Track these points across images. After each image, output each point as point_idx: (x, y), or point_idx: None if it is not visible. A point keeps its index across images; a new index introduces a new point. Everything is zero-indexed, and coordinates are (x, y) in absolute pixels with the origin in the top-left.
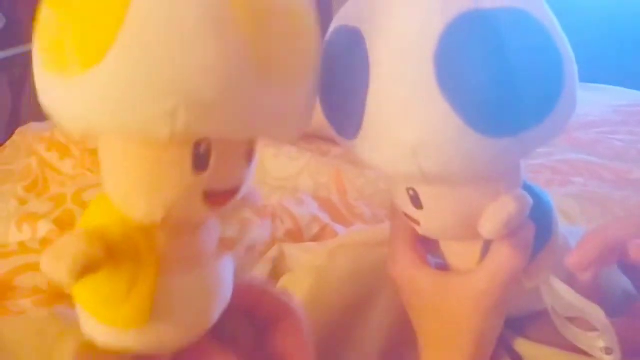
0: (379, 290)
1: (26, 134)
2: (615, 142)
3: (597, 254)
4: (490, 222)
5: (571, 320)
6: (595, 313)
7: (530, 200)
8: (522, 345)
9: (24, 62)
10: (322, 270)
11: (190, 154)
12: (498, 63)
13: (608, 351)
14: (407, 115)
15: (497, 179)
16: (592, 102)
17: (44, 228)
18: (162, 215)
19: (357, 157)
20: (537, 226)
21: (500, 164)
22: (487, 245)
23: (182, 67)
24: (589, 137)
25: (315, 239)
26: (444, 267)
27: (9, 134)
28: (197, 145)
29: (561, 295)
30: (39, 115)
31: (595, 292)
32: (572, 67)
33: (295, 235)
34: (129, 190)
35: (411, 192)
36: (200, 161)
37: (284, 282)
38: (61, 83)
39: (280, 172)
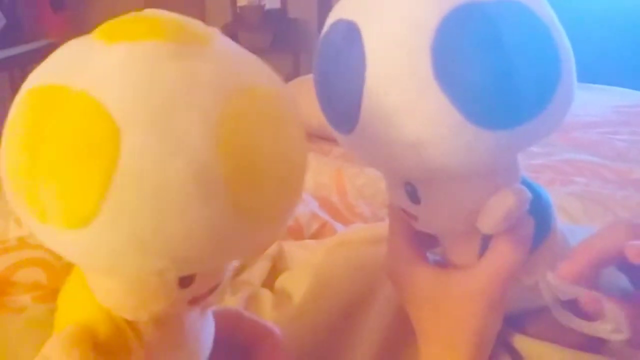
0: (377, 289)
1: None
2: (616, 142)
3: (587, 266)
4: (489, 216)
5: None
6: (596, 297)
7: (529, 194)
8: (521, 342)
9: (25, 61)
10: (321, 268)
11: (176, 278)
12: (495, 55)
13: (617, 331)
14: (404, 109)
15: (495, 173)
16: (594, 102)
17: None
18: (147, 317)
19: (354, 151)
20: (536, 222)
21: (498, 157)
22: (485, 241)
23: (171, 234)
24: (590, 137)
25: (315, 236)
26: (442, 264)
27: None
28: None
29: (561, 291)
30: None
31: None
32: (569, 59)
33: (295, 233)
34: (114, 296)
35: (408, 187)
36: (186, 282)
37: (282, 279)
38: (45, 228)
39: None
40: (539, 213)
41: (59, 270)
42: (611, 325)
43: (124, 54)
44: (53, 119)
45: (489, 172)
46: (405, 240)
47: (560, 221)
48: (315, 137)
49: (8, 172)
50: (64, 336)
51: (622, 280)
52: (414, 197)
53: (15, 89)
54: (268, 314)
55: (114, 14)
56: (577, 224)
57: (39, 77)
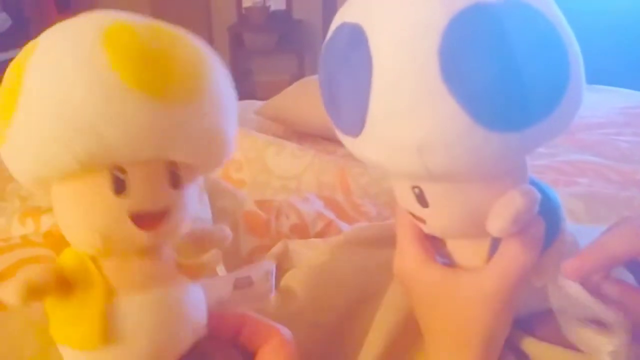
0: (384, 288)
1: None
2: (620, 143)
3: (594, 267)
4: (499, 219)
5: (578, 322)
6: (607, 314)
7: (538, 195)
8: (530, 345)
9: None
10: (327, 267)
11: (109, 180)
12: (504, 56)
13: (614, 355)
14: (412, 112)
15: (503, 175)
16: (598, 103)
17: (47, 222)
18: (101, 241)
19: (360, 155)
20: (545, 223)
21: (507, 160)
22: (495, 243)
23: (67, 114)
24: (594, 138)
25: (320, 235)
26: (450, 266)
27: None
28: (112, 172)
29: (570, 295)
30: None
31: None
32: (578, 60)
33: (301, 231)
34: (70, 224)
35: (416, 190)
36: (118, 185)
37: (287, 278)
38: None
39: (284, 170)
40: (548, 214)
41: None
42: (613, 347)
43: None
44: None
45: (498, 175)
46: (415, 240)
47: (567, 222)
48: (320, 137)
49: None
50: (17, 277)
51: (631, 280)
52: (422, 201)
53: None
54: (273, 312)
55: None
56: (580, 223)
57: None
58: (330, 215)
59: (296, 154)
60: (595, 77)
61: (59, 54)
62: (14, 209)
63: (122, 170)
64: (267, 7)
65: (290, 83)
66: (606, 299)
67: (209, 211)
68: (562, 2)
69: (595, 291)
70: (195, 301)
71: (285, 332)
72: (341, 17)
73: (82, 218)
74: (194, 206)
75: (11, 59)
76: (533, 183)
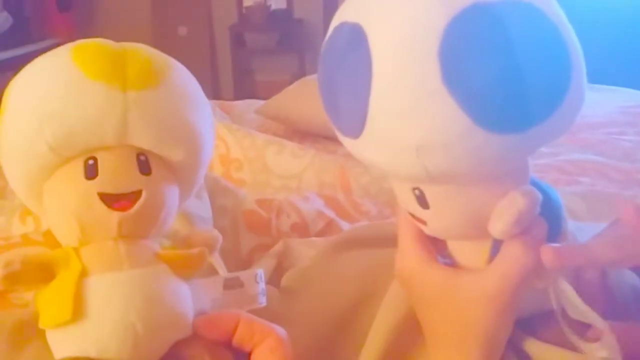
0: (384, 288)
1: None
2: (622, 143)
3: (570, 262)
4: (500, 220)
5: (575, 324)
6: (598, 321)
7: (539, 195)
8: (532, 346)
9: (31, 61)
10: (328, 266)
11: (82, 167)
12: (504, 57)
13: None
14: (412, 113)
15: (504, 176)
16: (600, 103)
17: (46, 219)
18: (77, 226)
19: (360, 156)
20: (547, 223)
21: (508, 161)
22: (496, 244)
23: (38, 106)
24: (596, 137)
25: (321, 234)
26: (452, 267)
27: None
28: (85, 161)
29: (567, 297)
30: None
31: (603, 290)
32: (579, 60)
33: (301, 230)
34: (52, 216)
35: (417, 192)
36: (89, 170)
37: (288, 277)
38: None
39: (284, 170)
40: (549, 215)
41: None
42: (605, 353)
43: None
44: None
45: (499, 176)
46: (416, 240)
47: (568, 220)
48: (321, 136)
49: None
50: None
51: (632, 278)
52: (422, 202)
53: None
54: (273, 312)
55: (120, 15)
56: (580, 222)
57: None
58: (331, 214)
59: (296, 153)
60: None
61: (35, 67)
62: (15, 207)
63: (94, 159)
64: (267, 7)
65: (291, 82)
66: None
67: (209, 210)
68: (562, 0)
69: (593, 289)
70: (177, 294)
71: (281, 332)
72: (341, 17)
73: (59, 203)
74: (192, 204)
75: (13, 58)
76: (534, 183)
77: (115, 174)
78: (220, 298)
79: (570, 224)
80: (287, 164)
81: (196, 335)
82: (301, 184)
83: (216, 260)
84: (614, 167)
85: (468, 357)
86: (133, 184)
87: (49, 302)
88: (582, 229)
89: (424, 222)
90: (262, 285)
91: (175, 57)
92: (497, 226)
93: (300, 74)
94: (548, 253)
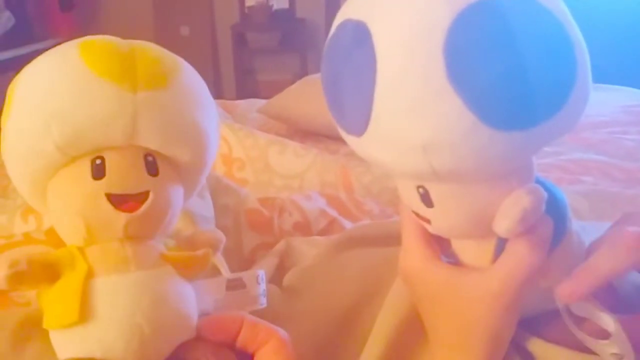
0: (387, 287)
1: None
2: (625, 142)
3: (588, 289)
4: (505, 219)
5: (582, 321)
6: (606, 317)
7: (544, 193)
8: (536, 345)
9: None
10: (330, 266)
11: (89, 167)
12: (510, 53)
13: (618, 357)
14: (417, 111)
15: (509, 174)
16: (603, 102)
17: (49, 219)
18: (83, 226)
19: (364, 154)
20: (552, 222)
21: (513, 159)
22: (500, 243)
23: (45, 104)
24: (599, 136)
25: (323, 233)
26: (456, 265)
27: None
28: (93, 161)
29: (575, 306)
30: None
31: (606, 288)
32: (584, 57)
33: (303, 228)
34: (57, 215)
35: (421, 190)
36: (97, 170)
37: (290, 276)
38: None
39: (286, 169)
40: (554, 214)
41: None
42: (615, 349)
43: None
44: None
45: (504, 174)
46: (420, 239)
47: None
48: (323, 136)
49: None
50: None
51: (634, 276)
52: (426, 201)
53: None
54: (275, 311)
55: (122, 15)
56: (583, 221)
57: None
58: (333, 213)
59: (299, 152)
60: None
61: (42, 64)
62: (17, 206)
63: (101, 159)
64: (270, 6)
65: (293, 82)
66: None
67: (212, 209)
68: (566, 0)
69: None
70: (182, 295)
71: (283, 334)
72: (344, 14)
73: (65, 203)
74: (195, 203)
75: (15, 58)
76: (539, 182)
77: (123, 175)
78: (222, 299)
79: (575, 224)
80: (289, 164)
81: (200, 337)
82: (303, 183)
83: (219, 260)
84: (617, 166)
85: (471, 356)
86: (141, 185)
87: (54, 303)
88: (586, 229)
89: (428, 221)
90: (263, 286)
91: None
92: (503, 224)
93: (302, 73)
94: (564, 293)
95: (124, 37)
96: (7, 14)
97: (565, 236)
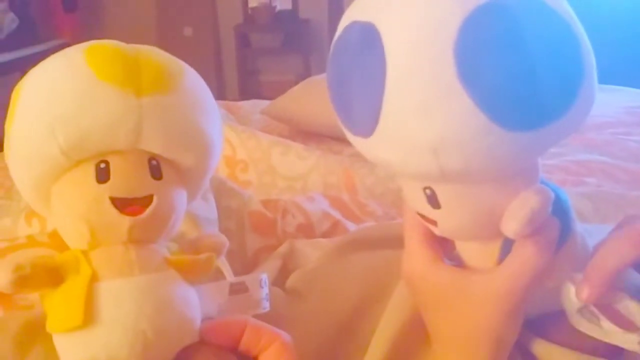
0: (390, 289)
1: None
2: (629, 143)
3: (604, 287)
4: (514, 220)
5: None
6: (632, 306)
7: (551, 194)
8: (540, 346)
9: (37, 62)
10: (333, 268)
11: (93, 171)
12: (520, 53)
13: None
14: (427, 111)
15: (516, 175)
16: (606, 103)
17: (52, 222)
18: (87, 229)
19: (371, 155)
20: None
21: (522, 160)
22: (505, 245)
23: (50, 108)
24: (603, 137)
25: (327, 235)
26: (460, 268)
27: None
28: (97, 165)
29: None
30: None
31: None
32: (590, 57)
33: (307, 230)
34: (61, 218)
35: (428, 192)
36: (101, 174)
37: (294, 278)
38: None
39: (289, 171)
40: (559, 215)
41: None
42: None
43: None
44: None
45: (512, 175)
46: (423, 241)
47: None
48: (326, 137)
49: None
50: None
51: (636, 278)
52: (433, 202)
53: None
54: (279, 314)
55: (125, 15)
56: (588, 223)
57: None
58: (336, 214)
59: (302, 154)
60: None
61: (47, 68)
62: (20, 208)
63: (106, 163)
64: (273, 7)
65: (296, 83)
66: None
67: (215, 211)
68: (571, 0)
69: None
70: (185, 299)
71: (286, 337)
72: (351, 16)
73: (69, 206)
74: (198, 206)
75: (19, 58)
76: (543, 183)
77: (128, 179)
78: (225, 303)
79: (578, 226)
80: (292, 165)
81: (203, 341)
82: (306, 185)
83: (223, 264)
84: (621, 167)
85: (475, 358)
86: (145, 188)
87: (58, 307)
88: (589, 232)
89: (434, 223)
90: (266, 290)
91: (181, 58)
92: (511, 226)
93: (306, 74)
94: (584, 294)
95: (127, 37)
96: (10, 15)
97: (570, 237)
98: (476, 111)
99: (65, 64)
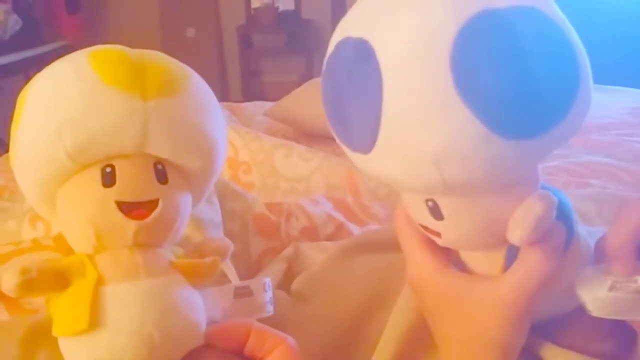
0: (396, 292)
1: None
2: (633, 144)
3: (633, 250)
4: (519, 227)
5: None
6: None
7: (555, 198)
8: (548, 351)
9: (41, 63)
10: (338, 271)
11: (99, 175)
12: (517, 62)
13: None
14: (426, 125)
15: (518, 183)
16: (610, 104)
17: (56, 225)
18: (93, 233)
19: (372, 171)
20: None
21: (524, 167)
22: (511, 253)
23: (57, 112)
24: (607, 139)
25: (331, 238)
26: (467, 274)
27: None
28: (103, 169)
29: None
30: None
31: None
32: (585, 62)
33: (311, 233)
34: (67, 222)
35: (430, 204)
36: (107, 178)
37: (299, 282)
38: None
39: (292, 172)
40: (562, 218)
41: None
42: None
43: None
44: None
45: (514, 183)
46: (426, 248)
47: (580, 224)
48: (329, 138)
49: None
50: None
51: None
52: (436, 214)
53: None
54: (284, 317)
55: (128, 17)
56: (591, 225)
57: None
58: (340, 217)
59: (305, 156)
60: (607, 77)
61: (53, 72)
62: (25, 211)
63: (112, 167)
64: (275, 8)
65: (299, 84)
66: None
67: (220, 214)
68: (570, 2)
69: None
70: (191, 303)
71: (291, 341)
72: (343, 32)
73: (75, 210)
74: (203, 209)
75: (22, 60)
76: (543, 187)
77: (134, 183)
78: (230, 307)
79: (581, 228)
80: (295, 167)
81: (208, 345)
82: (309, 186)
83: (227, 267)
84: (625, 169)
85: None
86: (150, 192)
87: (64, 310)
88: (593, 234)
89: (438, 234)
90: (270, 293)
91: (184, 59)
92: (517, 233)
93: (308, 75)
94: (620, 269)
95: (130, 38)
96: (14, 17)
97: (573, 239)
98: (476, 122)
99: (71, 68)
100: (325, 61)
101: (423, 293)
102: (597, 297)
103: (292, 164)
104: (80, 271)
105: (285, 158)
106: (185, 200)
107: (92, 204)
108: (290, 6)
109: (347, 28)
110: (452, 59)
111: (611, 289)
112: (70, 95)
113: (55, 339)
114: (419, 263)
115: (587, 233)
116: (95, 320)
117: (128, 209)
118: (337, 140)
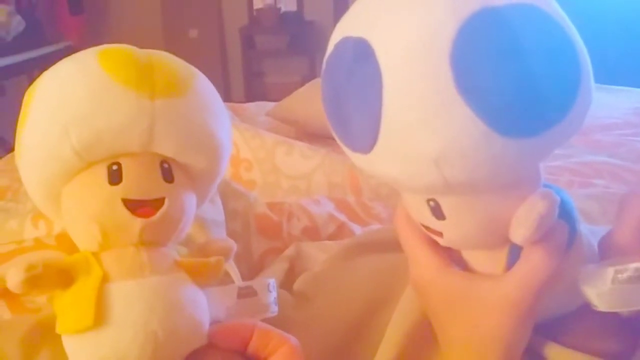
0: (398, 292)
1: None
2: (637, 144)
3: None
4: (522, 226)
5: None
6: None
7: (557, 197)
8: (552, 350)
9: (44, 64)
10: (340, 271)
11: (105, 173)
12: (517, 60)
13: None
14: (427, 124)
15: (520, 181)
16: (614, 104)
17: (60, 224)
18: (98, 230)
19: (372, 171)
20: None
21: (525, 166)
22: (513, 252)
23: (64, 109)
24: (610, 139)
25: (332, 237)
26: (471, 273)
27: None
28: (109, 167)
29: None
30: None
31: None
32: (586, 60)
33: (312, 233)
34: (72, 219)
35: (432, 203)
36: (113, 176)
37: (301, 281)
38: None
39: (293, 170)
40: (564, 217)
41: None
42: None
43: None
44: None
45: (515, 182)
46: (428, 249)
47: (582, 223)
48: (331, 139)
49: None
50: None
51: None
52: (438, 213)
53: None
54: (286, 317)
55: (131, 17)
56: (595, 224)
57: None
58: (342, 217)
59: (306, 154)
60: (611, 77)
61: (60, 70)
62: (27, 210)
63: (119, 166)
64: (278, 9)
65: (301, 84)
66: None
67: (222, 213)
68: (574, 1)
69: None
70: (195, 302)
71: (295, 341)
72: (342, 32)
73: (81, 208)
74: (206, 209)
75: (25, 60)
76: (545, 187)
77: (140, 181)
78: (234, 307)
79: (583, 227)
80: (296, 165)
81: (211, 344)
82: (310, 185)
83: (231, 267)
84: (629, 169)
85: None
86: (157, 191)
87: (69, 308)
88: (596, 233)
89: (439, 234)
90: (274, 294)
91: (186, 60)
92: (519, 232)
93: (311, 75)
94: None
95: (133, 39)
96: (17, 18)
97: (576, 238)
98: (476, 120)
99: (79, 66)
100: (324, 61)
101: (426, 293)
102: (602, 291)
103: (293, 161)
104: (85, 268)
105: (286, 156)
106: (190, 200)
107: (98, 202)
108: (293, 7)
109: (347, 28)
110: (452, 58)
111: (614, 280)
112: (77, 93)
113: (56, 338)
114: (421, 263)
115: (590, 232)
116: (100, 318)
117: (134, 206)
118: (337, 141)
